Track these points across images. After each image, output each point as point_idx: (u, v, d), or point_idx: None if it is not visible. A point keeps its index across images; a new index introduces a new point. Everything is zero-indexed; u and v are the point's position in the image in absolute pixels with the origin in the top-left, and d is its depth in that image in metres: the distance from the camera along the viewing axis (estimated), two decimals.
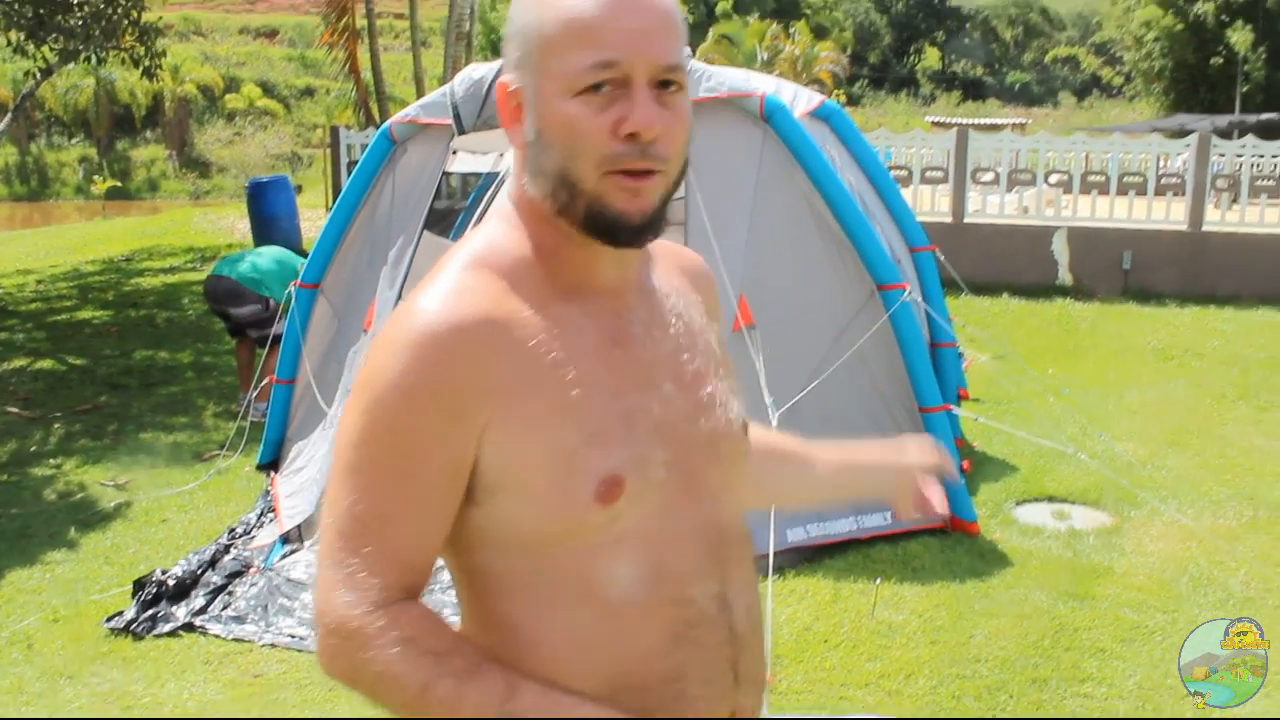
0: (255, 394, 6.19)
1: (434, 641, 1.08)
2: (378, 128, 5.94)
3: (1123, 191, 11.14)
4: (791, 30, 37.94)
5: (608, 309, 1.17)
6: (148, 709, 3.43)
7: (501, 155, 5.40)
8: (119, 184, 33.10)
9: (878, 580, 4.11)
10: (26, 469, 5.87)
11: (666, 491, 1.15)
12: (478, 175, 6.39)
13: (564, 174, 1.11)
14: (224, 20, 50.30)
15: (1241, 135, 12.81)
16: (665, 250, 1.32)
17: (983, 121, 28.58)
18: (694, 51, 6.81)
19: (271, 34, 49.65)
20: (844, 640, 3.75)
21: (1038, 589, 4.15)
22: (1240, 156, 11.83)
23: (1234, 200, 11.48)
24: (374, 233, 5.17)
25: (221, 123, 39.65)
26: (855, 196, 4.82)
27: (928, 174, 11.61)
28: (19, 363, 8.50)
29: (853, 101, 47.56)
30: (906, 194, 7.63)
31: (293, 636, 3.81)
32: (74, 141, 38.24)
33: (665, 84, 1.11)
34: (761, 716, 1.27)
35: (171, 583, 4.05)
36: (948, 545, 4.48)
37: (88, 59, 11.98)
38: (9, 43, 11.20)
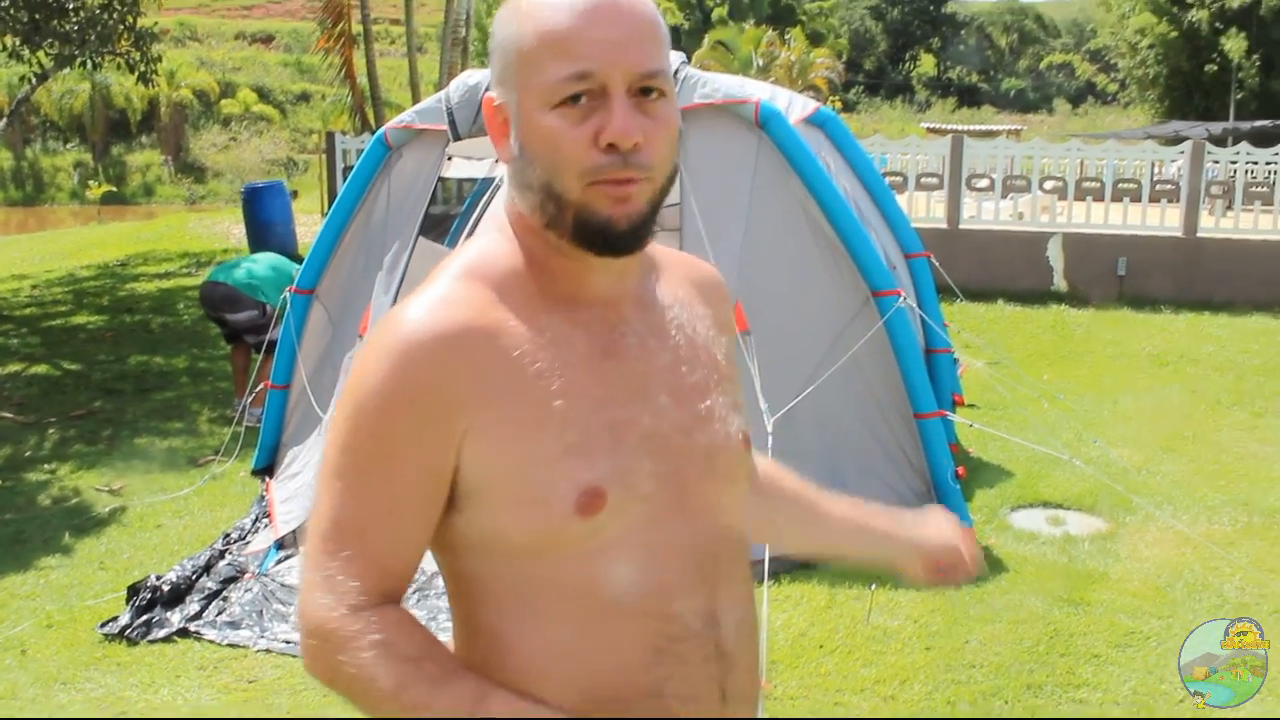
0: (250, 399, 6.19)
1: (409, 646, 1.08)
2: (373, 133, 5.95)
3: (1117, 198, 11.15)
4: (787, 37, 38.07)
5: (600, 320, 1.16)
6: (142, 714, 3.42)
7: (497, 161, 5.41)
8: (114, 189, 33.15)
9: (873, 586, 4.11)
10: (21, 474, 5.85)
11: (655, 504, 1.13)
12: (473, 181, 6.41)
13: (549, 187, 1.11)
14: (220, 25, 50.38)
15: (1236, 142, 12.83)
16: (676, 261, 1.31)
17: (978, 128, 28.72)
18: (690, 58, 6.83)
19: (267, 39, 49.74)
20: (839, 646, 3.76)
21: (1033, 594, 4.16)
22: (1234, 163, 11.88)
23: (1228, 207, 11.50)
24: (369, 238, 5.17)
25: (217, 128, 39.70)
26: (850, 203, 4.83)
27: (923, 180, 11.62)
28: (13, 368, 8.49)
29: (848, 108, 47.67)
30: (902, 200, 7.64)
31: (287, 642, 3.81)
32: (69, 146, 38.25)
33: (646, 91, 1.10)
34: None
35: (166, 588, 4.04)
36: None
37: (83, 64, 11.95)
38: (4, 47, 11.16)
